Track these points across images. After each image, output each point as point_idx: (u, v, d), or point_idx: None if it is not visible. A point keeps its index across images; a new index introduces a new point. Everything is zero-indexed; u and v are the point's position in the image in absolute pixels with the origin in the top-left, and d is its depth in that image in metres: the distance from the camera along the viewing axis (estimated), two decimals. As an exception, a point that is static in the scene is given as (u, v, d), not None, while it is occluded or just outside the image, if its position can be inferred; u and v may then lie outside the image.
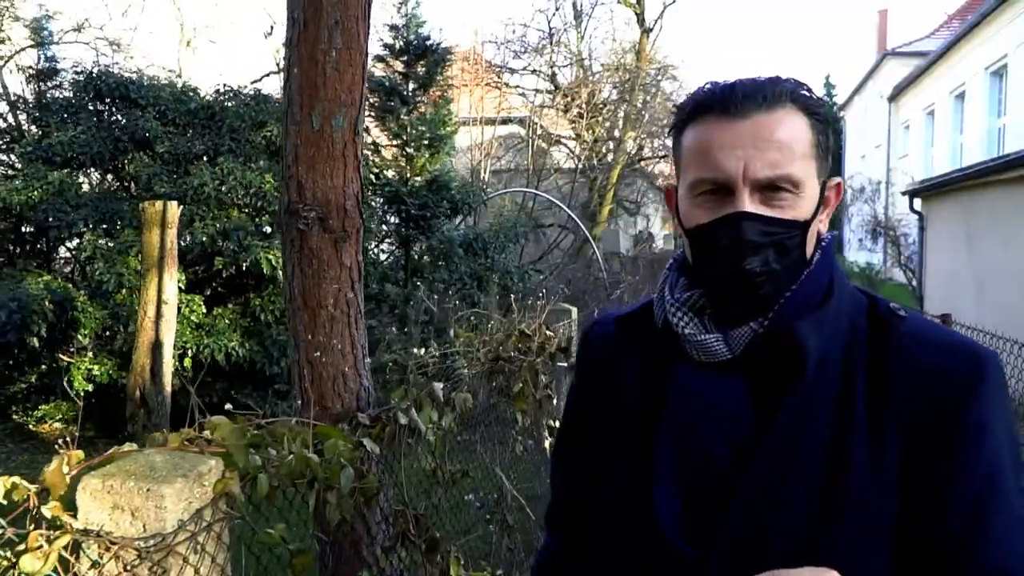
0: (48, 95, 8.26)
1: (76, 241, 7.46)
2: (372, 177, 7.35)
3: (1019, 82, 17.08)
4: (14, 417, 8.30)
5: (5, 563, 1.41)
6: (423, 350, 4.67)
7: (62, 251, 8.66)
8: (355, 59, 2.62)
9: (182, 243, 7.40)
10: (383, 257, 7.75)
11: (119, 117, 7.66)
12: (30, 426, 8.09)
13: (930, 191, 13.60)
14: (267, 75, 19.04)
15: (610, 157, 16.61)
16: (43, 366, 7.72)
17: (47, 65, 8.39)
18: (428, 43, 8.02)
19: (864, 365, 1.05)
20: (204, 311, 7.09)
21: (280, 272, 6.71)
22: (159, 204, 5.27)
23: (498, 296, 7.67)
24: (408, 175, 7.58)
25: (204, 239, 6.77)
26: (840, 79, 34.34)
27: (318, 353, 2.77)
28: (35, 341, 7.11)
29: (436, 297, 7.36)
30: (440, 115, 7.85)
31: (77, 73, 8.08)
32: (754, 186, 1.04)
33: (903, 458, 1.00)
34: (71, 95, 7.96)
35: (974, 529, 0.99)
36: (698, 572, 1.03)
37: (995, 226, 10.32)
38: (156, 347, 5.33)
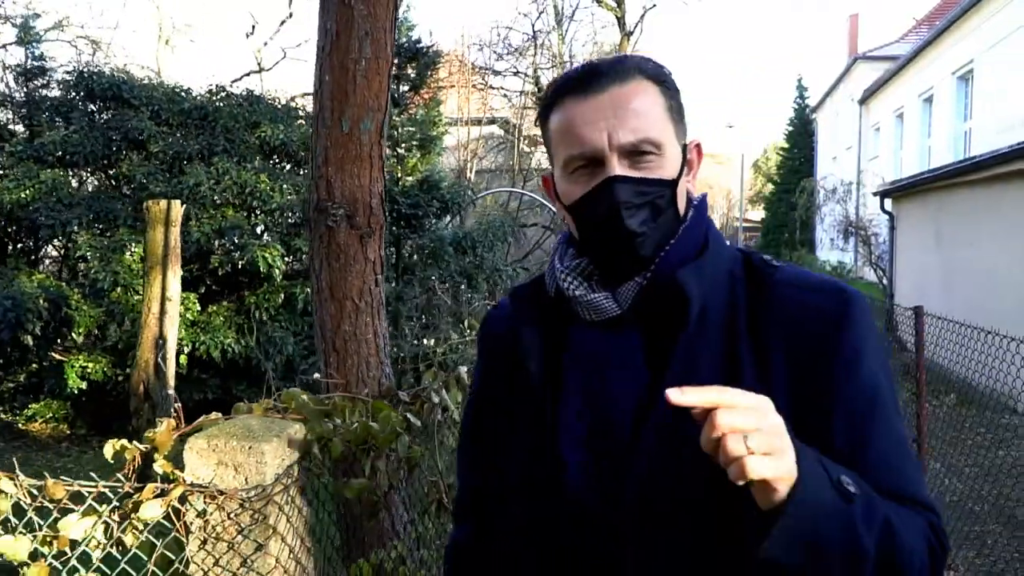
0: (36, 94, 8.30)
1: (65, 239, 7.52)
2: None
3: (985, 87, 17.54)
4: (2, 416, 8.34)
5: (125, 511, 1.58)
6: (430, 341, 4.83)
7: (50, 250, 8.70)
8: (382, 67, 2.80)
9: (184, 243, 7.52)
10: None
11: (112, 117, 7.73)
12: (19, 425, 8.13)
13: (900, 192, 13.96)
14: (247, 74, 19.13)
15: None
16: (33, 365, 7.77)
17: (35, 64, 8.42)
18: (419, 46, 8.19)
19: (745, 310, 1.12)
20: (199, 308, 7.20)
21: (275, 270, 6.86)
22: (163, 203, 5.39)
23: (487, 293, 7.85)
24: (399, 175, 7.73)
25: (200, 238, 6.87)
26: (812, 82, 34.76)
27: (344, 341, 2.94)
28: (28, 339, 7.19)
29: (427, 294, 7.52)
30: (430, 116, 8.02)
31: (68, 73, 8.14)
32: (620, 152, 1.10)
33: (789, 390, 1.06)
34: (61, 94, 8.01)
35: (856, 451, 1.05)
36: (608, 526, 1.08)
37: (962, 226, 10.66)
38: (159, 343, 5.45)
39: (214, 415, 1.81)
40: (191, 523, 1.64)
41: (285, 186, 7.02)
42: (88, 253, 7.00)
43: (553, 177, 1.19)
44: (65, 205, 7.35)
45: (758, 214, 47.21)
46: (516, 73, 17.67)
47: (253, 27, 16.05)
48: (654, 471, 1.05)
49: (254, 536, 1.56)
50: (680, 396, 0.86)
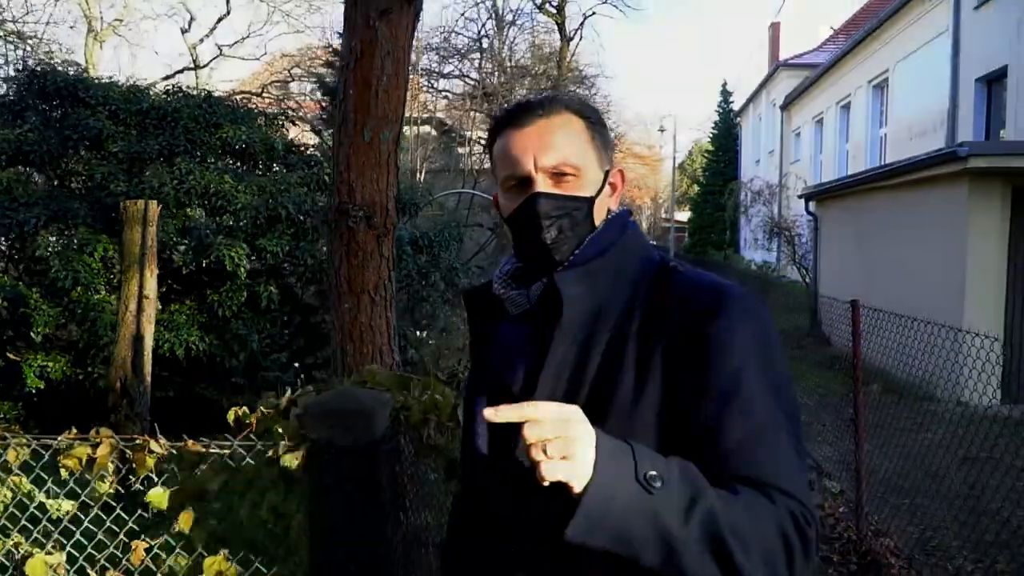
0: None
1: (21, 239, 7.50)
2: (327, 178, 7.68)
3: (898, 95, 18.57)
4: (-55, 419, 8.22)
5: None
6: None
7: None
8: (400, 83, 3.08)
9: (140, 241, 7.57)
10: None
11: (66, 116, 7.73)
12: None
13: (823, 195, 14.71)
14: (182, 71, 18.92)
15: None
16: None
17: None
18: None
19: (643, 309, 1.27)
20: (160, 307, 7.28)
21: (241, 269, 7.01)
22: (140, 203, 5.49)
23: (444, 291, 8.12)
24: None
25: (163, 237, 6.97)
26: (736, 87, 35.89)
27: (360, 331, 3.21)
28: (-12, 338, 7.18)
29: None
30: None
31: (18, 71, 8.09)
32: (544, 173, 1.30)
33: (665, 381, 1.22)
34: (14, 94, 7.96)
35: (711, 437, 1.18)
36: (504, 479, 1.27)
37: (881, 227, 11.38)
38: (137, 340, 5.56)
39: (308, 387, 2.09)
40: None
41: (251, 187, 7.16)
42: (48, 252, 7.02)
43: (499, 196, 1.40)
44: (21, 204, 7.34)
45: (684, 215, 48.38)
46: (458, 76, 17.99)
47: (189, 23, 15.90)
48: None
49: (364, 484, 1.84)
50: (493, 414, 1.04)
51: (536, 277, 1.35)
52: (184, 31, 16.40)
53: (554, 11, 17.46)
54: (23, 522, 2.61)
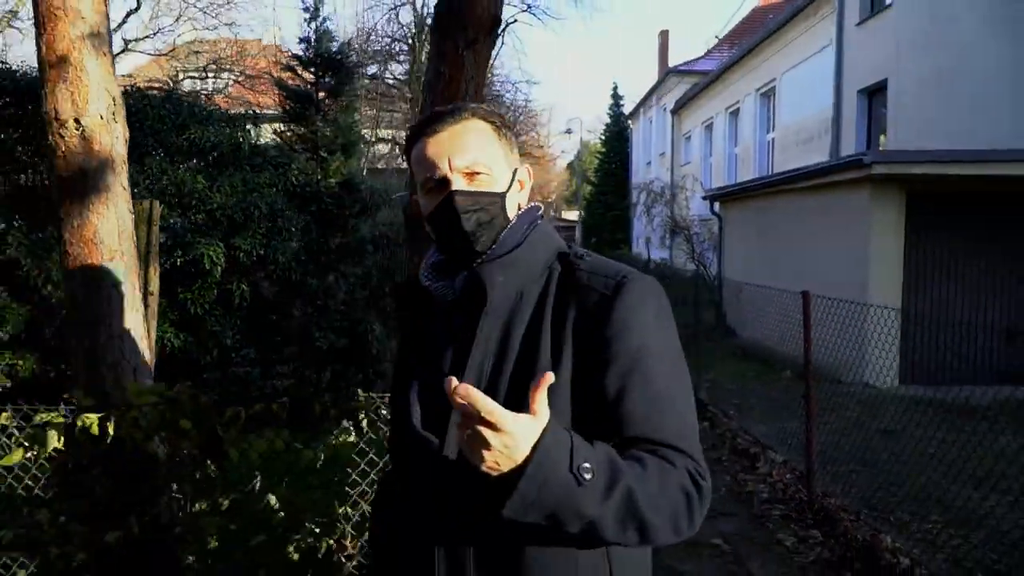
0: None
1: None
2: (293, 179, 7.91)
3: (785, 103, 19.95)
4: None
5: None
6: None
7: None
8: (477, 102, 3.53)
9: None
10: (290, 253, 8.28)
11: (22, 116, 7.65)
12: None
13: (727, 196, 15.77)
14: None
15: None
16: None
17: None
18: (339, 57, 8.67)
19: (556, 293, 1.40)
20: (130, 305, 7.37)
21: (218, 268, 7.20)
22: (145, 203, 5.68)
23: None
24: (319, 177, 8.22)
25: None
26: (627, 91, 37.26)
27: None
28: (-46, 339, 7.10)
29: (350, 288, 8.08)
30: (348, 122, 8.54)
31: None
32: (458, 172, 1.41)
33: (575, 357, 1.35)
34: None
35: (616, 404, 1.32)
36: (437, 453, 1.36)
37: (786, 225, 12.42)
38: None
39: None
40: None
41: (224, 187, 7.34)
42: (18, 252, 7.01)
43: (418, 198, 1.51)
44: (-17, 203, 7.28)
45: (573, 214, 49.69)
46: (375, 78, 18.19)
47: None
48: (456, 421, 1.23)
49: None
50: (464, 392, 1.10)
51: (459, 269, 1.46)
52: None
53: None
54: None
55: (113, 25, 17.04)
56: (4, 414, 2.53)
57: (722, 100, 24.56)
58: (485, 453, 1.13)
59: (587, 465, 1.16)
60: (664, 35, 32.86)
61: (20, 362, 7.21)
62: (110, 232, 2.70)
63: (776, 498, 6.05)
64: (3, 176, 7.86)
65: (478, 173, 1.42)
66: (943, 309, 9.65)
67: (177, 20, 17.37)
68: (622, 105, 37.15)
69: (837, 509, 5.50)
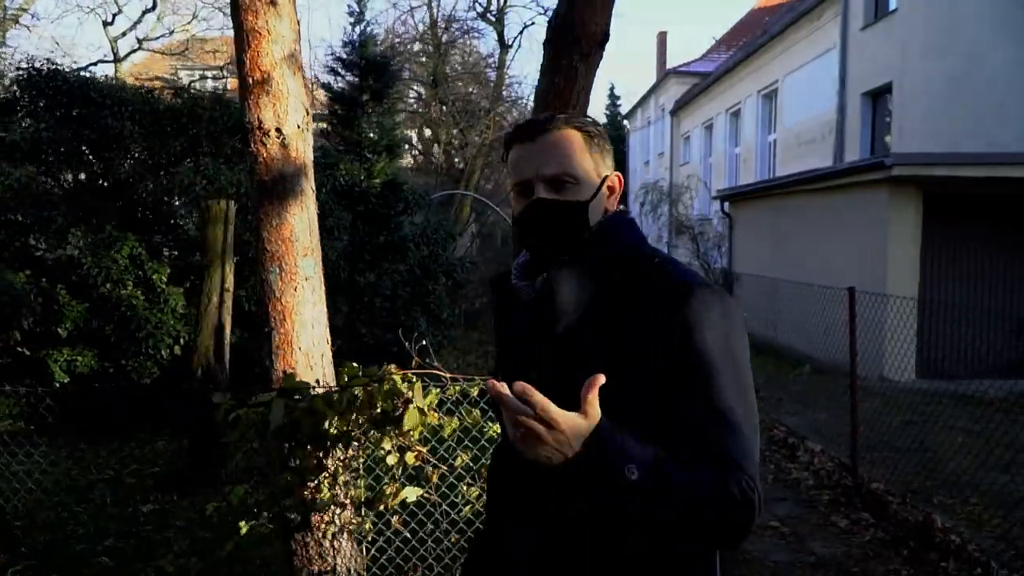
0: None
1: (46, 237, 7.63)
2: (341, 180, 8.15)
3: (787, 105, 20.29)
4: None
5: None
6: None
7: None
8: (584, 111, 3.80)
9: (170, 238, 7.86)
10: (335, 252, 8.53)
11: (80, 116, 7.86)
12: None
13: (737, 196, 16.10)
14: (96, 63, 18.43)
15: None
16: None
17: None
18: (382, 60, 8.91)
19: (628, 296, 1.44)
20: (184, 302, 7.59)
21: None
22: (223, 203, 5.93)
23: (445, 283, 8.75)
24: (363, 177, 8.46)
25: (196, 234, 7.31)
26: (624, 92, 37.62)
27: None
28: (17, 335, 7.32)
29: (394, 285, 8.33)
30: (391, 123, 8.76)
31: (19, 71, 8.13)
32: (545, 181, 1.49)
33: (639, 358, 1.39)
34: (21, 91, 8.01)
35: (673, 412, 1.36)
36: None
37: (802, 224, 12.76)
38: (219, 330, 5.98)
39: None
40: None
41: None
42: (78, 250, 7.23)
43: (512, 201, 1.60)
44: (43, 203, 7.48)
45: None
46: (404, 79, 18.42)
47: (114, 16, 15.71)
48: (545, 392, 1.27)
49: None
50: (522, 390, 1.20)
51: (541, 270, 1.54)
52: (107, 23, 16.09)
53: (494, 19, 18.27)
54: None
55: (128, 24, 17.27)
56: (226, 397, 2.76)
57: (723, 101, 24.88)
58: (539, 448, 1.22)
59: (633, 465, 1.24)
60: (662, 36, 33.24)
61: (79, 358, 7.43)
62: (303, 231, 2.96)
63: (822, 484, 6.36)
64: (62, 174, 8.07)
65: (565, 183, 1.49)
66: (958, 305, 9.99)
67: (192, 20, 17.52)
68: (619, 106, 37.49)
69: (884, 493, 5.80)
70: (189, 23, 18.25)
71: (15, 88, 8.17)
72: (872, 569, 4.80)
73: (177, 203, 7.39)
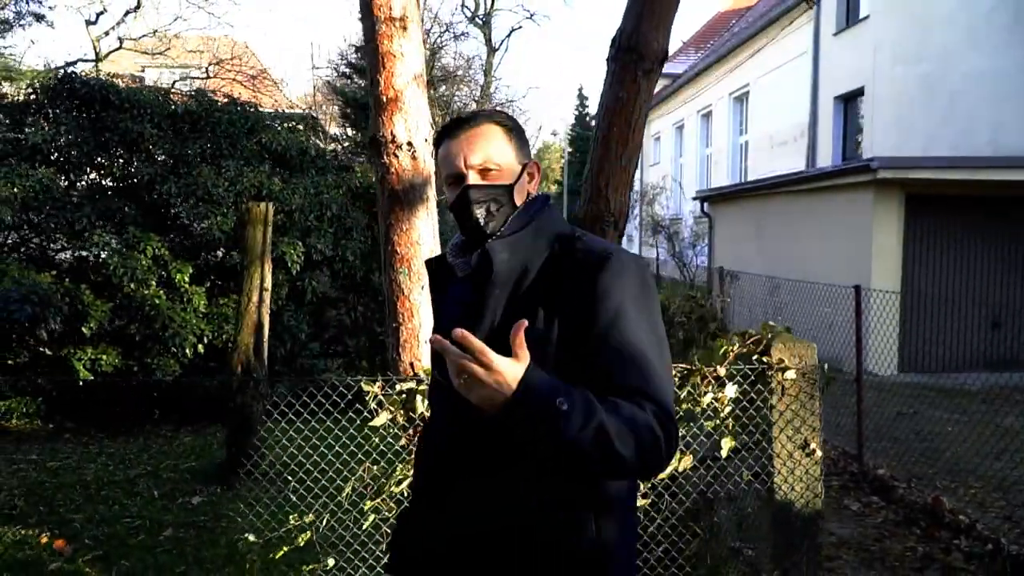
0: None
1: (69, 238, 7.73)
2: (356, 181, 8.35)
3: (759, 108, 20.80)
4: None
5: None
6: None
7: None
8: (644, 124, 4.09)
9: (190, 239, 7.99)
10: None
11: (99, 118, 7.97)
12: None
13: (717, 196, 16.54)
14: (76, 62, 18.28)
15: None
16: (11, 360, 7.84)
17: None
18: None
19: (554, 268, 1.62)
20: (206, 301, 7.74)
21: (296, 265, 7.62)
22: (262, 205, 6.12)
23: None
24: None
25: (219, 236, 7.48)
26: (592, 92, 37.95)
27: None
28: (44, 334, 7.42)
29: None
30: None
31: (42, 75, 8.22)
32: (473, 169, 1.66)
33: (567, 321, 1.56)
34: (40, 95, 8.08)
35: (599, 355, 1.53)
36: (448, 391, 1.51)
37: (784, 224, 13.21)
38: (259, 328, 6.17)
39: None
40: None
41: (298, 189, 7.76)
42: (104, 251, 7.35)
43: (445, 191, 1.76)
44: (63, 204, 7.58)
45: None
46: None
47: (98, 15, 15.67)
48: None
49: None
50: (461, 336, 1.35)
51: (474, 248, 1.69)
52: (91, 23, 16.04)
53: (482, 23, 18.55)
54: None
55: (112, 23, 17.22)
56: (376, 384, 2.97)
57: (694, 103, 25.37)
58: (479, 390, 1.37)
59: (563, 399, 1.38)
60: (631, 38, 33.76)
61: (103, 357, 7.55)
62: (427, 235, 3.20)
63: (829, 471, 6.73)
64: (81, 176, 8.16)
65: (489, 169, 1.67)
66: (937, 301, 10.49)
67: (175, 21, 17.43)
68: (587, 106, 37.91)
69: (890, 479, 6.19)
70: (172, 23, 18.24)
71: (30, 90, 8.24)
72: (890, 547, 5.17)
73: (200, 205, 7.52)
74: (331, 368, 8.48)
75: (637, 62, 3.96)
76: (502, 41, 19.20)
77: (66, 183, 7.91)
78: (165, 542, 5.02)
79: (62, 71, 8.08)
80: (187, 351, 7.48)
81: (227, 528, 5.21)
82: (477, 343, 1.35)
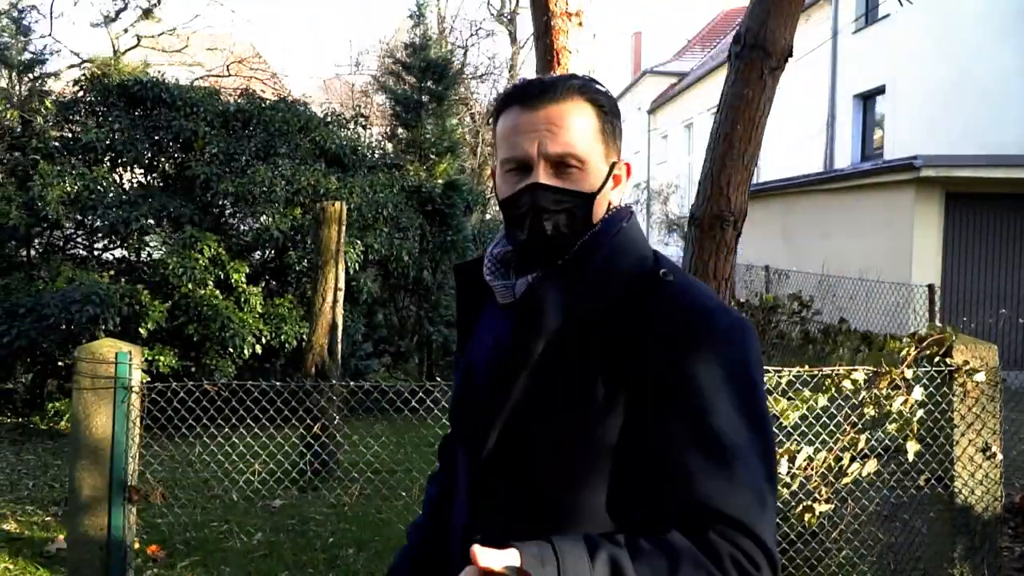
0: (39, 90, 8.15)
1: (125, 238, 7.66)
2: (409, 180, 8.30)
3: (774, 104, 20.79)
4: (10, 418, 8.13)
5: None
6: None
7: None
8: (765, 122, 4.05)
9: (246, 239, 7.93)
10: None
11: (151, 117, 7.89)
12: (40, 425, 7.97)
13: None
14: (86, 61, 18.07)
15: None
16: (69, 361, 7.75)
17: (30, 57, 8.19)
18: (441, 62, 9.06)
19: (626, 320, 1.19)
20: (262, 302, 7.68)
21: (355, 265, 7.56)
22: (337, 204, 6.06)
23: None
24: (426, 177, 8.62)
25: (278, 236, 7.41)
26: (610, 85, 37.94)
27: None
28: (102, 335, 7.33)
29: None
30: (452, 124, 8.93)
31: (86, 73, 8.13)
32: (547, 161, 1.21)
33: (633, 397, 1.16)
34: (93, 95, 7.99)
35: (670, 466, 1.11)
36: (475, 454, 1.28)
37: (818, 224, 13.22)
38: (333, 328, 6.11)
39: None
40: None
41: (354, 188, 7.70)
42: (162, 251, 7.28)
43: (495, 171, 1.31)
44: (124, 203, 7.50)
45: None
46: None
47: (118, 12, 15.53)
48: (509, 426, 1.23)
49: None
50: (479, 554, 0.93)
51: (524, 268, 1.29)
52: (110, 20, 15.88)
53: (507, 20, 18.53)
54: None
55: (131, 21, 17.05)
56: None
57: (704, 100, 25.32)
58: None
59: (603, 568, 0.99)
60: (637, 36, 33.73)
61: (160, 357, 7.47)
62: None
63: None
64: (132, 177, 8.07)
65: (570, 166, 1.23)
66: (977, 297, 10.50)
67: (195, 18, 17.25)
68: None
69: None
70: (191, 20, 18.09)
71: (77, 88, 8.16)
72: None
73: (257, 204, 7.46)
74: (381, 369, 8.43)
75: (765, 60, 3.92)
76: (527, 39, 19.00)
77: (120, 182, 7.82)
78: (258, 547, 4.96)
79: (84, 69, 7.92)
80: (245, 351, 7.41)
81: (318, 532, 5.15)
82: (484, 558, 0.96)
